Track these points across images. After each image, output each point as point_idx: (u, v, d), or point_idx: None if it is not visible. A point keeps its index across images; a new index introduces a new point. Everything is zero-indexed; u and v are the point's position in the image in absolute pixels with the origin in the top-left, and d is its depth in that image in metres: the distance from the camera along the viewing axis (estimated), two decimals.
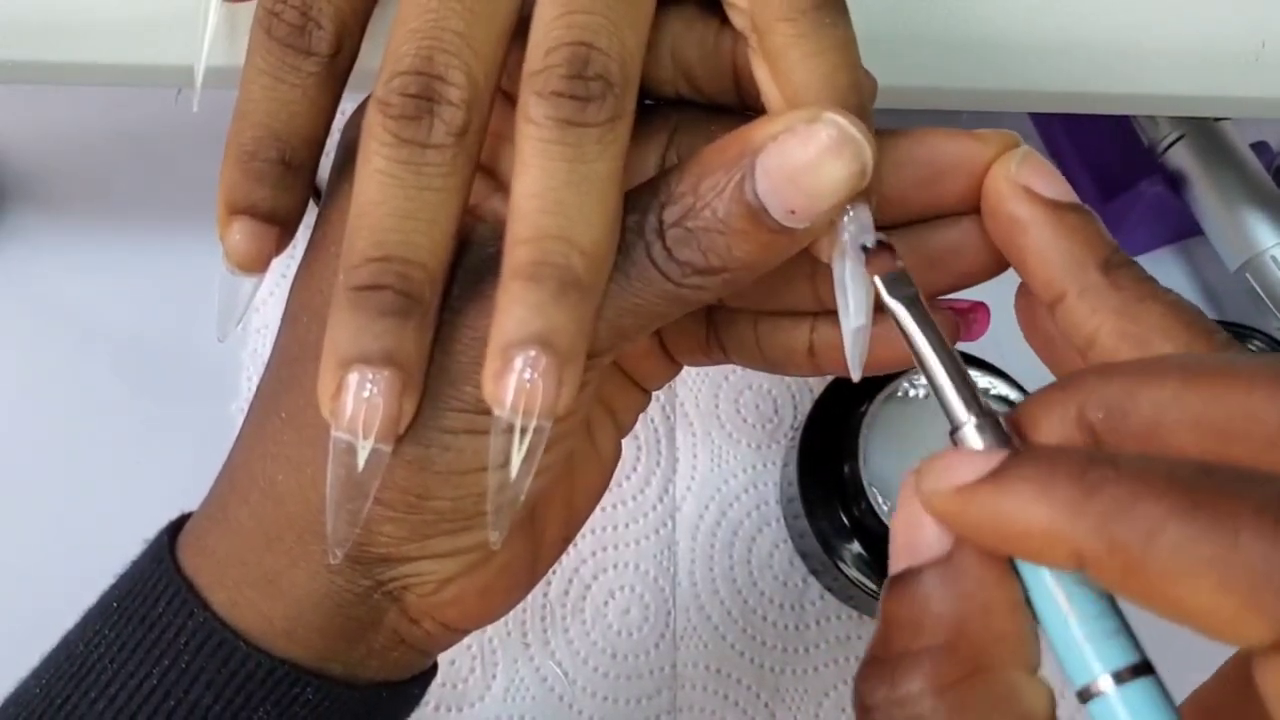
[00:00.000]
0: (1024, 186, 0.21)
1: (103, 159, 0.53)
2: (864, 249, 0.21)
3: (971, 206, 0.23)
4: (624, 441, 0.29)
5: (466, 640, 0.47)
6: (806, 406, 0.48)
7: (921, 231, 0.23)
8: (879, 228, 0.23)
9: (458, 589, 0.25)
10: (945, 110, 0.30)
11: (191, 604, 0.24)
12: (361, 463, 0.21)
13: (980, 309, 0.25)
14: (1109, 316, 0.20)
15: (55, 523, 0.48)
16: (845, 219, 0.21)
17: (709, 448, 0.50)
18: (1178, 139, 0.47)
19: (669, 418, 0.50)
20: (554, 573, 0.48)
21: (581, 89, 0.20)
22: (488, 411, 0.21)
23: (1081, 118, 0.49)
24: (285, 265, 0.48)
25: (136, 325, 0.51)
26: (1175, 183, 0.48)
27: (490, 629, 0.47)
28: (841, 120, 0.19)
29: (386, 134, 0.20)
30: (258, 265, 0.24)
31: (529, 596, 0.47)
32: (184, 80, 0.29)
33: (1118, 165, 0.51)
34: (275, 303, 0.50)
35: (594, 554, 0.48)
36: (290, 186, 0.24)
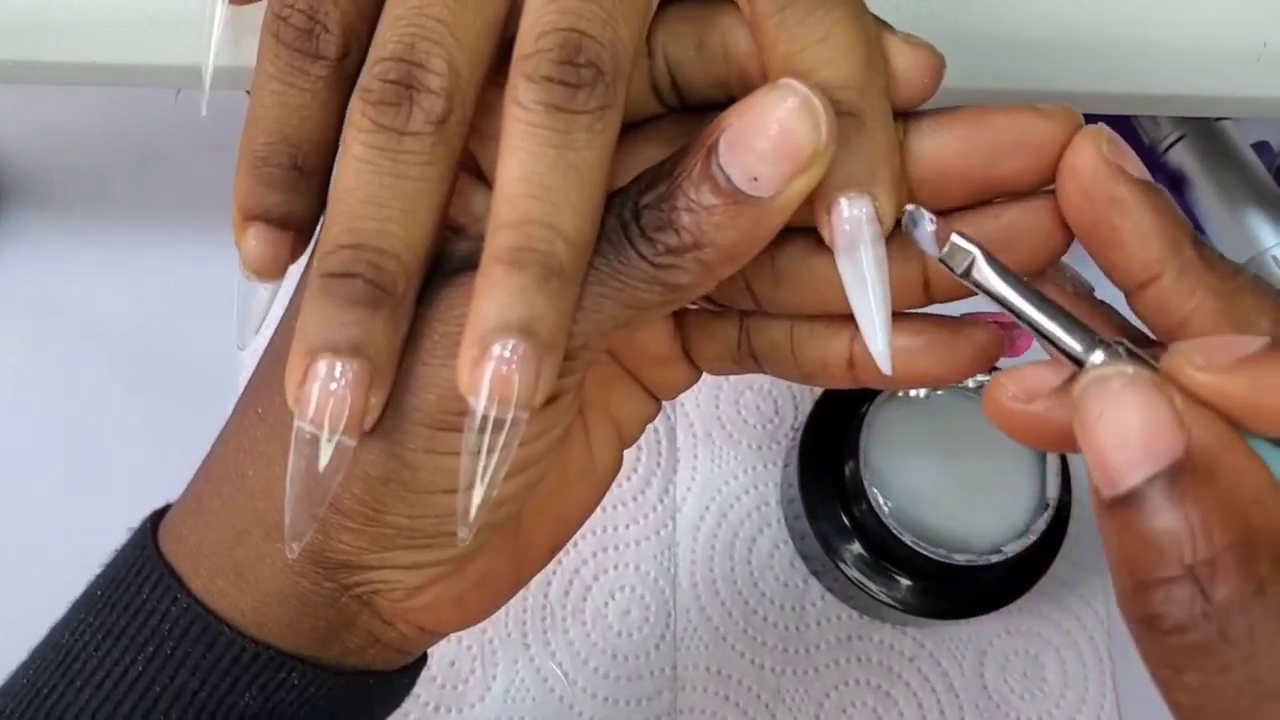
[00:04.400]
0: (1119, 166, 0.21)
1: (103, 159, 0.53)
2: (925, 226, 0.21)
3: (1034, 184, 0.22)
4: None
5: (466, 641, 0.47)
6: (807, 407, 0.48)
7: (982, 216, 0.23)
8: (939, 211, 0.22)
9: (431, 597, 0.24)
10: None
11: (174, 590, 0.24)
12: (324, 456, 0.20)
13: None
14: (1207, 296, 0.20)
15: (53, 521, 0.48)
16: (842, 205, 0.21)
17: (709, 448, 0.50)
18: (1179, 139, 0.47)
19: (669, 418, 0.50)
20: (554, 574, 0.48)
21: (572, 75, 0.20)
22: (448, 428, 0.21)
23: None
24: None
25: (136, 325, 0.51)
26: (1176, 183, 0.48)
27: (490, 629, 0.47)
28: (798, 86, 0.19)
29: (365, 120, 0.20)
30: (274, 271, 0.24)
31: (529, 597, 0.48)
32: (184, 80, 0.29)
33: None
34: (276, 303, 0.50)
35: (594, 555, 0.48)
36: (304, 191, 0.23)
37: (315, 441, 0.20)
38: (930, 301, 0.24)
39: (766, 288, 0.24)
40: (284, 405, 0.22)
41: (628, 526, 0.49)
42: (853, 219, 0.21)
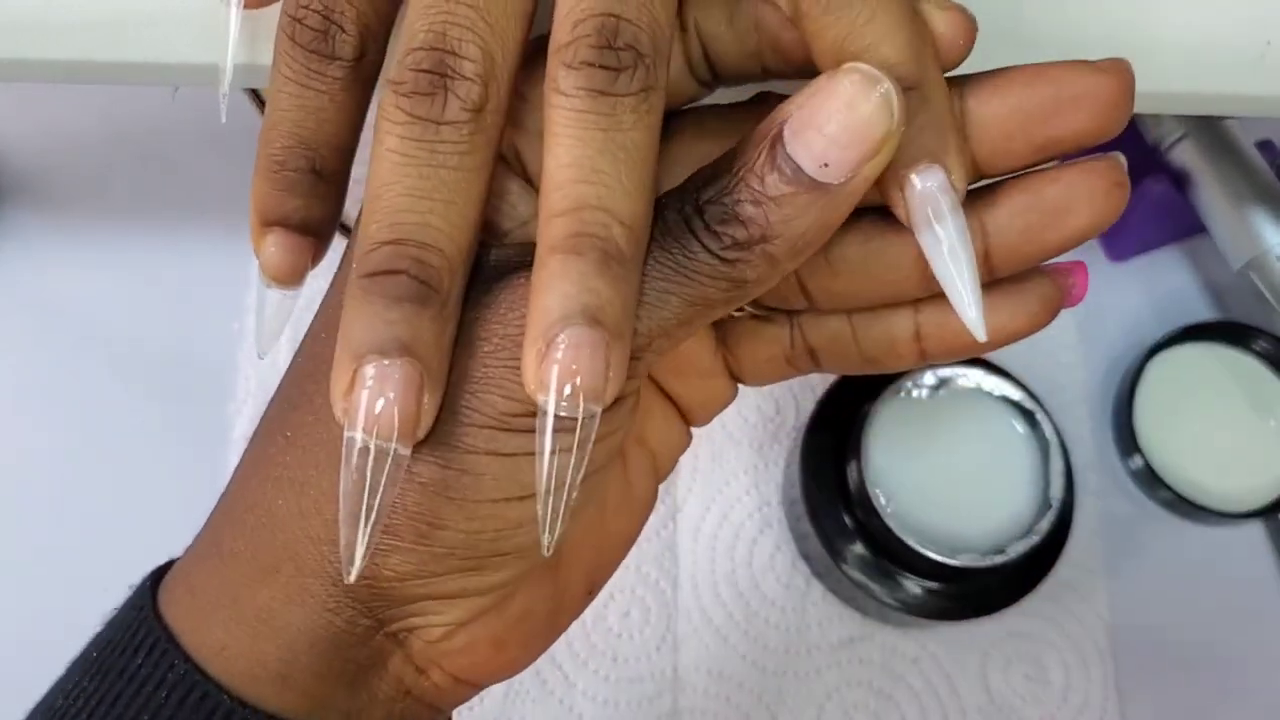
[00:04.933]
0: None
1: (103, 159, 0.53)
2: None
3: (1094, 139, 0.22)
4: None
5: None
6: (809, 407, 0.48)
7: (1039, 182, 0.22)
8: (1001, 176, 0.22)
9: (468, 637, 0.23)
10: None
11: (172, 655, 0.23)
12: (379, 467, 0.19)
13: (1080, 269, 0.24)
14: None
15: (53, 521, 0.48)
16: (915, 181, 0.21)
17: (710, 448, 0.50)
18: (1182, 137, 0.47)
19: None
20: None
21: (612, 59, 0.19)
22: (514, 430, 0.21)
23: None
24: None
25: (135, 325, 0.51)
26: (1179, 181, 0.48)
27: None
28: (865, 68, 0.19)
29: (399, 112, 0.20)
30: (294, 278, 0.23)
31: None
32: (185, 79, 0.29)
33: None
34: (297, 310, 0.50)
35: None
36: (323, 195, 0.23)
37: (366, 452, 0.19)
38: (992, 274, 0.23)
39: (823, 282, 0.24)
40: (317, 425, 0.21)
41: None
42: (928, 192, 0.21)
